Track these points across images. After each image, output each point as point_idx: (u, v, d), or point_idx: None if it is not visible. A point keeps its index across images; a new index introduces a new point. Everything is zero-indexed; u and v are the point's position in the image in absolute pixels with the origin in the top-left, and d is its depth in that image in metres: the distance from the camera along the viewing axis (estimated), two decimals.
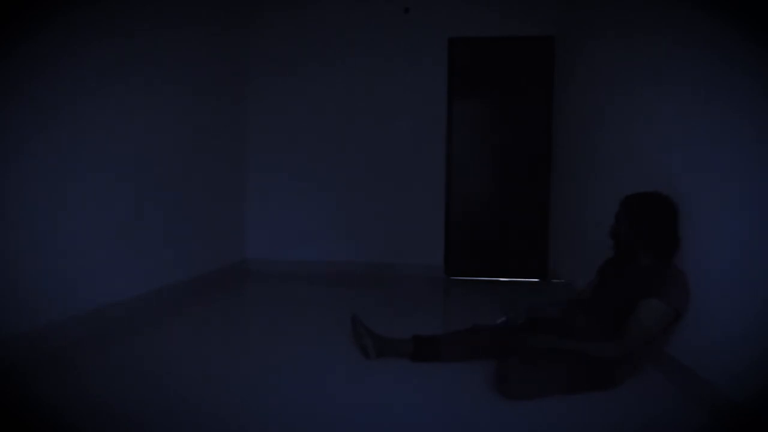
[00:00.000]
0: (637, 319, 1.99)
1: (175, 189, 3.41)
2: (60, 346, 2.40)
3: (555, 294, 2.58)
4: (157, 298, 3.20)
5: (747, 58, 1.70)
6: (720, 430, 1.71)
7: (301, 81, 4.54)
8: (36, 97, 2.27)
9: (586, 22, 3.52)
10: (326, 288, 3.94)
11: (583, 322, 2.17)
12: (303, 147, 4.56)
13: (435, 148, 4.45)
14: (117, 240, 2.84)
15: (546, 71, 4.36)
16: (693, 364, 1.99)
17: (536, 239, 4.47)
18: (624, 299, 2.07)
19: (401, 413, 1.80)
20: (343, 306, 3.35)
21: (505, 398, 1.92)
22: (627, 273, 2.17)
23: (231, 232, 4.34)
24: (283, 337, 2.65)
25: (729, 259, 1.80)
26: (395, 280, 4.28)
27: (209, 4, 3.80)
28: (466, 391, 2.00)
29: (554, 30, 4.30)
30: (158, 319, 2.94)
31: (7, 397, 1.86)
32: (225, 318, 3.03)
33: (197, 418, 1.73)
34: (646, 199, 2.14)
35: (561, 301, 2.37)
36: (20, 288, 2.23)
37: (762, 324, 1.61)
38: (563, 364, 1.96)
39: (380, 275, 4.49)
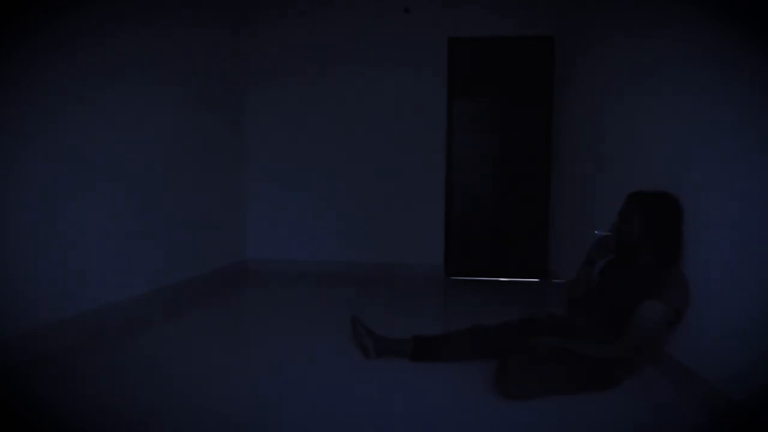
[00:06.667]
0: (638, 320, 1.99)
1: (176, 189, 3.41)
2: (60, 346, 2.40)
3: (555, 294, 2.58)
4: (158, 298, 3.20)
5: (747, 57, 1.70)
6: (720, 430, 1.71)
7: (300, 81, 4.53)
8: (38, 101, 2.27)
9: (586, 22, 3.52)
10: (326, 288, 3.94)
11: (583, 323, 2.17)
12: (303, 147, 4.56)
13: (435, 148, 4.45)
14: (118, 241, 2.84)
15: (546, 71, 4.35)
16: (693, 364, 1.99)
17: (536, 239, 4.47)
18: (625, 300, 2.07)
19: (401, 413, 1.80)
20: (343, 306, 3.35)
21: (504, 398, 1.92)
22: (628, 274, 2.17)
23: (232, 233, 4.34)
24: (283, 337, 2.65)
25: (729, 260, 1.80)
26: (395, 280, 4.28)
27: (210, 8, 3.80)
28: (466, 391, 2.00)
29: (554, 30, 4.30)
30: (159, 319, 2.94)
31: (7, 397, 1.86)
32: (225, 318, 3.03)
33: (197, 417, 1.73)
34: (661, 200, 2.10)
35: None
36: (20, 288, 2.23)
37: (762, 324, 1.61)
38: (563, 364, 1.96)
39: (380, 275, 4.49)
